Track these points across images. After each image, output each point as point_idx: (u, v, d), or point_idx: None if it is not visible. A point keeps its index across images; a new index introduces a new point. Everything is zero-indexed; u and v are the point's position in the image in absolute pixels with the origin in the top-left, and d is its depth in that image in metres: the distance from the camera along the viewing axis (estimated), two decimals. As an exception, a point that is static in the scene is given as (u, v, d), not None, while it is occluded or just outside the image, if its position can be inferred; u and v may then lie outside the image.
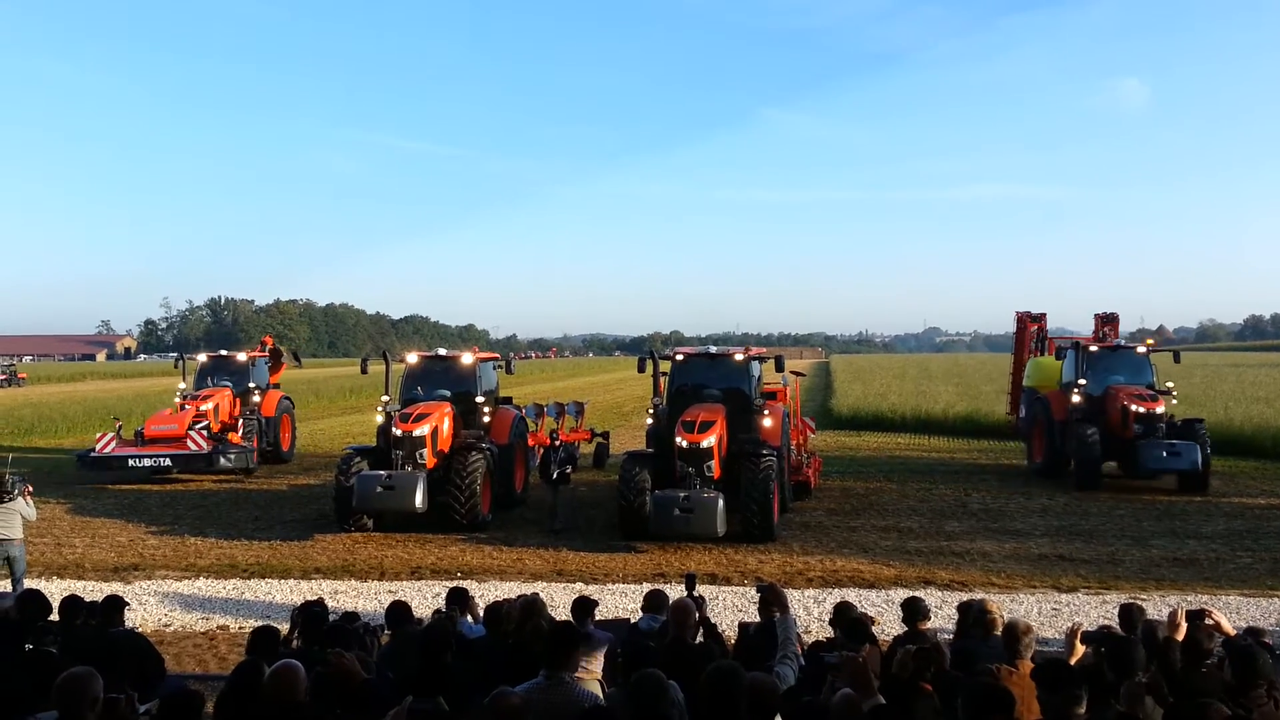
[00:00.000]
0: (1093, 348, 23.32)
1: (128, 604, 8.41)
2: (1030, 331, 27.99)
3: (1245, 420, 29.21)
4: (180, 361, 28.18)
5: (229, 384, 26.42)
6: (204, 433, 23.35)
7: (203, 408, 24.62)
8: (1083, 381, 22.53)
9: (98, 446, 23.39)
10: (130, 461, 22.82)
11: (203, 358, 28.10)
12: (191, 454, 23.01)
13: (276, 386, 28.24)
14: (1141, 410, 21.11)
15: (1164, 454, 20.40)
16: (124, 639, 7.72)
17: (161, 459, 22.87)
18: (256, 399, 26.63)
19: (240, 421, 25.46)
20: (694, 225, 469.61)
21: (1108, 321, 25.88)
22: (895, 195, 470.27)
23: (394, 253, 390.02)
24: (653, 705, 4.58)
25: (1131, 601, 8.52)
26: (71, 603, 8.05)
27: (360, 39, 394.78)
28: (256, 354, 28.49)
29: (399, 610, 7.93)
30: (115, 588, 13.44)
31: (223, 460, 23.24)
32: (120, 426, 24.27)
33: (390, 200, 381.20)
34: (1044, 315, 28.33)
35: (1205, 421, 22.32)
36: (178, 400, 25.73)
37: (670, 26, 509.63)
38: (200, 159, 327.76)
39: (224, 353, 28.76)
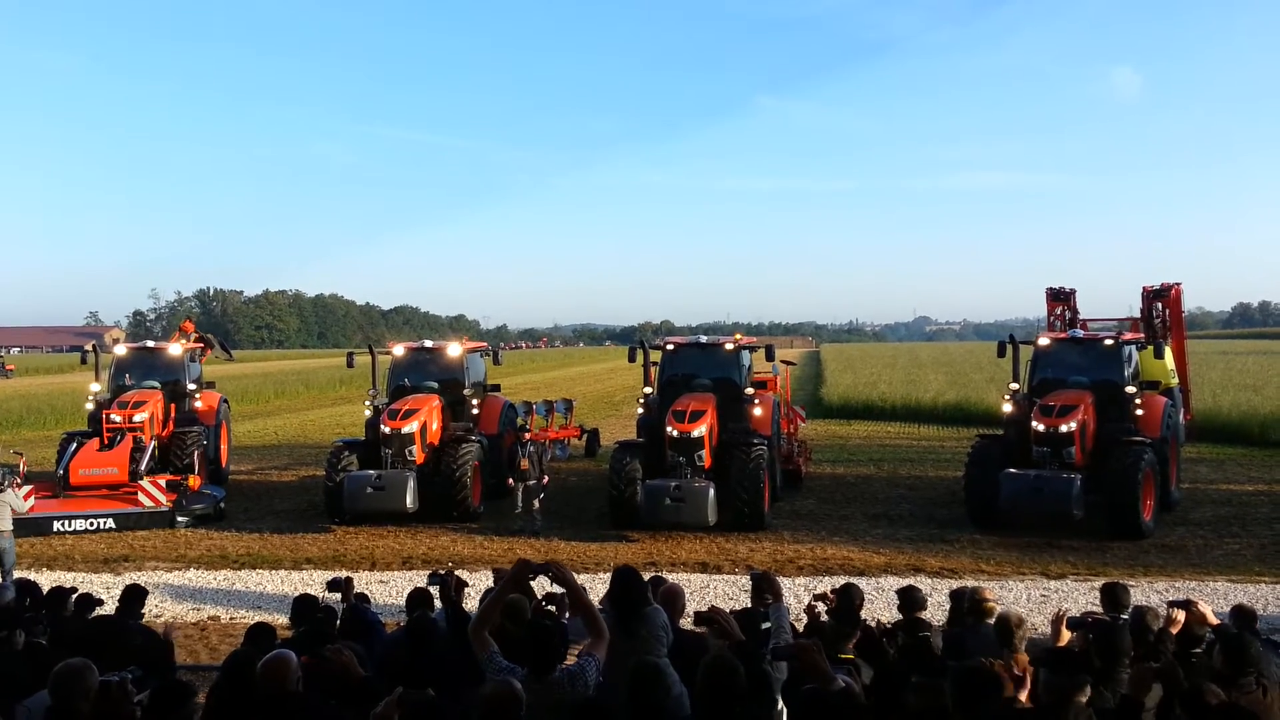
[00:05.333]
0: (1043, 340, 18.33)
1: (147, 592, 8.50)
2: (1056, 312, 22.38)
3: (1232, 407, 29.41)
4: (91, 354, 21.54)
5: (155, 384, 20.40)
6: (160, 483, 17.67)
7: (136, 418, 18.75)
8: (1015, 385, 17.53)
9: None
10: (56, 525, 16.84)
11: (120, 350, 21.78)
12: (145, 512, 17.35)
13: (211, 385, 22.62)
14: (1040, 428, 15.91)
15: (1025, 489, 15.35)
16: (134, 631, 7.66)
17: (102, 519, 17.15)
18: (199, 403, 21.07)
19: (189, 442, 19.49)
20: (685, 215, 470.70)
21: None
22: (886, 184, 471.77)
23: (384, 243, 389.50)
24: (650, 695, 4.58)
25: (1114, 581, 8.46)
26: (58, 593, 8.05)
27: (352, 28, 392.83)
28: (192, 345, 22.48)
29: (418, 598, 7.47)
30: (105, 579, 13.48)
31: (184, 519, 17.49)
32: (24, 463, 17.86)
33: (381, 190, 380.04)
34: (1073, 292, 22.39)
35: (1152, 445, 15.93)
36: (89, 406, 20.11)
37: (665, 14, 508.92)
38: (190, 148, 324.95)
39: (150, 344, 22.44)
